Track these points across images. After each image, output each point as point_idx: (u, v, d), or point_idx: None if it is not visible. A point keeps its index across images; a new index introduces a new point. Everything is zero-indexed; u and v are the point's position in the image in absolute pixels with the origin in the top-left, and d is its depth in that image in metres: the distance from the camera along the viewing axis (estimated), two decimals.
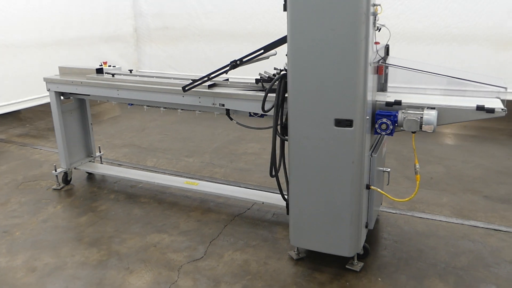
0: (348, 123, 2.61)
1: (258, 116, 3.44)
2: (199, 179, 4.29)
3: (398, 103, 2.86)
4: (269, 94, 3.10)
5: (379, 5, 2.66)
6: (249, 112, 3.44)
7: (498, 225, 3.49)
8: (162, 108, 3.92)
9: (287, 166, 2.98)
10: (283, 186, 3.11)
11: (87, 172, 4.71)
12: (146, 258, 3.18)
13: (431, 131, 2.75)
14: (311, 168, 2.78)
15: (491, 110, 2.67)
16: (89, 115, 4.64)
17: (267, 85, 3.33)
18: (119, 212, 3.90)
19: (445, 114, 2.77)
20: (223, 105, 3.44)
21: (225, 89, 3.47)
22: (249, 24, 7.14)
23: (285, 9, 2.67)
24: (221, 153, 5.36)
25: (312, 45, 2.57)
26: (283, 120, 3.00)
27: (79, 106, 4.53)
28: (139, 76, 4.10)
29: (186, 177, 4.50)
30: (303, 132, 2.74)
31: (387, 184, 3.21)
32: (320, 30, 2.52)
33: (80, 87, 4.04)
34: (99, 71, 4.21)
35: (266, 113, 3.11)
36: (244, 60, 3.23)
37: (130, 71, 4.26)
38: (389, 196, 2.98)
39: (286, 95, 2.83)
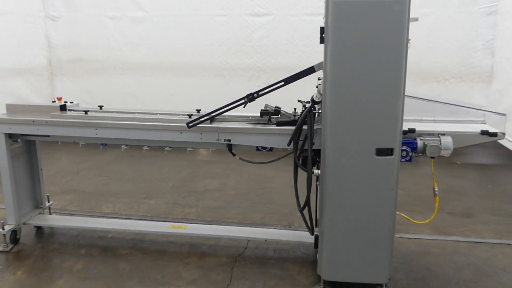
0: (389, 151, 2.70)
1: (267, 151, 3.35)
2: (181, 222, 3.98)
3: (412, 131, 3.05)
4: (284, 127, 3.11)
5: (410, 39, 2.85)
6: (257, 147, 3.34)
7: (475, 238, 3.88)
8: (146, 148, 3.59)
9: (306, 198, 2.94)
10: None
11: (36, 227, 4.01)
12: None
13: (448, 156, 2.98)
14: (350, 199, 2.79)
15: (494, 134, 3.01)
16: (39, 158, 4.00)
17: (275, 118, 3.30)
18: (102, 269, 3.38)
19: (455, 140, 3.04)
20: (229, 140, 3.27)
21: (229, 124, 3.32)
22: (180, 57, 6.97)
23: (321, 42, 2.70)
24: (182, 192, 5.04)
25: (355, 77, 2.63)
26: (300, 153, 3.00)
27: (27, 149, 3.89)
28: (116, 112, 3.69)
29: (163, 221, 4.14)
30: (342, 163, 2.75)
31: None
32: (364, 63, 2.60)
33: (44, 127, 3.47)
34: (63, 108, 3.69)
35: (288, 147, 3.05)
36: (261, 93, 3.14)
37: (100, 107, 3.81)
38: (412, 220, 3.13)
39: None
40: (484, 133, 3.02)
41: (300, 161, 3.02)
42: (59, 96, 4.05)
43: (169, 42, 6.93)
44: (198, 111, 3.65)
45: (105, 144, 3.65)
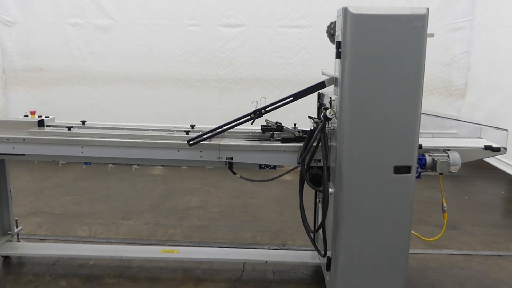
0: (407, 169, 2.64)
1: (271, 168, 3.19)
2: (168, 245, 3.72)
3: (420, 147, 3.02)
4: (290, 144, 3.00)
5: None
6: (260, 165, 3.17)
7: (467, 251, 3.92)
8: (135, 166, 3.30)
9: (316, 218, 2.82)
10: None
11: (3, 256, 3.59)
12: None
13: (456, 171, 2.97)
14: (367, 218, 2.69)
15: (497, 149, 3.04)
16: (8, 179, 3.60)
17: (277, 135, 3.16)
18: None
19: (460, 155, 3.04)
20: (231, 158, 3.08)
21: (230, 141, 3.13)
22: (149, 67, 6.65)
23: (338, 57, 2.60)
24: (161, 211, 4.75)
25: (373, 93, 2.54)
26: (306, 171, 2.88)
27: None
28: (102, 128, 3.39)
29: (151, 245, 3.86)
30: (359, 181, 2.65)
31: None
32: (382, 79, 2.52)
33: (21, 146, 3.10)
34: (41, 123, 3.34)
35: (298, 165, 2.91)
36: (268, 108, 2.99)
37: (83, 122, 3.48)
38: (422, 237, 3.09)
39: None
40: (488, 148, 3.04)
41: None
42: (32, 110, 3.68)
43: (137, 51, 6.59)
44: (193, 126, 3.43)
45: (89, 163, 3.33)
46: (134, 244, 3.93)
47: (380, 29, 2.48)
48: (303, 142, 3.03)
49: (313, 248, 3.64)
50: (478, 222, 4.58)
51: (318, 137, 2.76)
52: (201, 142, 3.02)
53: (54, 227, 4.28)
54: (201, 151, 3.06)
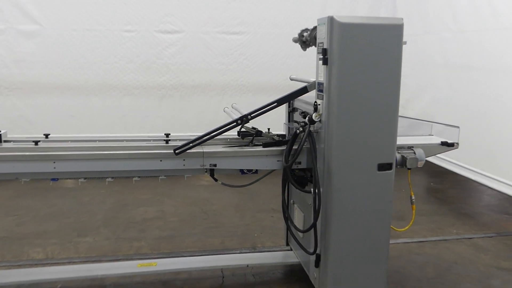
0: (388, 166, 2.87)
1: (253, 173, 3.24)
2: (140, 259, 3.60)
3: None
4: (272, 148, 3.10)
5: None
6: (242, 170, 3.20)
7: (418, 238, 4.31)
8: (109, 179, 3.15)
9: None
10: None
11: None
12: None
13: (421, 166, 3.29)
14: (355, 214, 2.88)
15: (451, 145, 3.42)
16: None
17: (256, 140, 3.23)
18: None
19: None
20: (215, 165, 3.08)
21: (213, 148, 3.12)
22: (82, 75, 6.28)
23: (325, 63, 2.74)
24: (118, 224, 4.52)
25: (359, 97, 2.73)
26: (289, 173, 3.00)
27: None
28: (70, 141, 3.16)
29: (117, 260, 3.68)
30: (347, 180, 2.82)
31: None
32: (367, 83, 2.72)
33: None
34: None
35: (286, 166, 3.00)
36: (254, 114, 3.04)
37: (46, 135, 3.22)
38: (396, 229, 3.35)
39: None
40: (444, 144, 3.40)
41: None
42: None
43: (67, 59, 6.17)
44: (167, 135, 3.35)
45: (56, 179, 3.10)
46: (99, 261, 3.71)
47: (363, 37, 2.68)
48: (283, 146, 3.15)
49: (282, 249, 3.84)
50: (419, 212, 5.00)
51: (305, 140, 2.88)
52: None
53: (2, 252, 3.87)
54: (184, 160, 3.02)
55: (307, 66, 6.71)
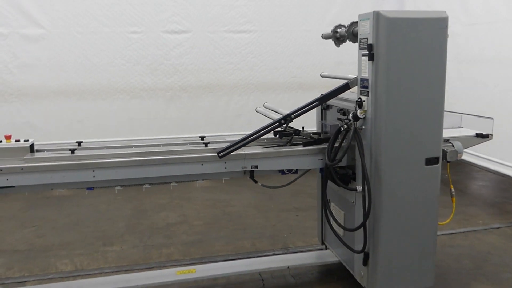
0: (435, 160, 2.85)
1: (293, 173, 3.18)
2: (173, 266, 3.53)
3: None
4: (311, 147, 3.04)
5: None
6: (282, 170, 3.14)
7: (447, 230, 4.27)
8: (146, 186, 3.05)
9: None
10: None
11: None
12: None
13: (460, 159, 3.27)
14: (404, 210, 2.85)
15: (486, 136, 3.42)
16: None
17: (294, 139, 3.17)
18: None
19: None
20: (256, 167, 3.01)
21: (253, 149, 3.04)
22: (88, 78, 6.12)
23: (371, 59, 2.69)
24: (142, 231, 4.42)
25: (406, 92, 2.70)
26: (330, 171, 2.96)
27: None
28: (106, 148, 3.06)
29: (145, 269, 3.59)
30: (396, 176, 2.79)
31: None
32: (413, 78, 2.69)
33: (17, 176, 2.67)
34: (32, 148, 2.92)
35: (331, 165, 2.94)
36: (296, 113, 2.97)
37: (79, 143, 3.11)
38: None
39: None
40: (479, 135, 3.40)
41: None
42: (8, 134, 3.19)
43: (73, 62, 6.02)
44: (202, 138, 3.28)
45: (92, 188, 3.00)
46: (132, 270, 3.62)
47: (409, 31, 2.64)
48: (323, 144, 3.10)
49: (315, 248, 3.81)
50: (442, 204, 5.04)
51: (348, 137, 2.83)
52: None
53: (28, 265, 3.74)
54: (225, 162, 2.95)
55: (313, 63, 6.76)
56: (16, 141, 3.15)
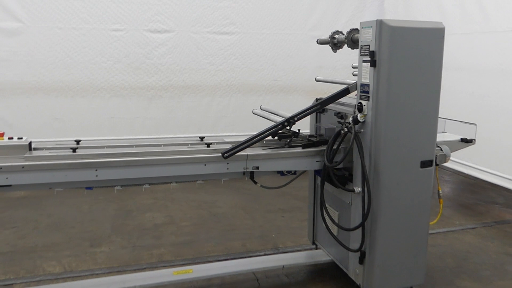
0: (429, 163, 2.99)
1: (292, 174, 3.25)
2: (166, 267, 3.53)
3: None
4: (310, 149, 3.13)
5: None
6: (282, 171, 3.20)
7: (437, 229, 4.47)
8: (146, 186, 3.04)
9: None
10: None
11: None
12: None
13: (447, 163, 3.44)
14: (401, 210, 2.98)
15: (470, 141, 3.61)
16: None
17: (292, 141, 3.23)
18: None
19: None
20: (258, 167, 3.06)
21: (253, 150, 3.08)
22: (67, 75, 5.96)
23: (373, 65, 2.80)
24: (130, 232, 4.36)
25: (406, 98, 2.82)
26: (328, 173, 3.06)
27: None
28: (106, 147, 3.02)
29: (137, 270, 3.56)
30: (394, 178, 2.91)
31: None
32: (412, 84, 2.82)
33: (17, 175, 2.60)
34: (29, 146, 2.84)
35: (332, 167, 3.03)
36: (299, 116, 3.04)
37: (77, 142, 3.04)
38: None
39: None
40: (463, 140, 3.59)
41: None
42: (1, 131, 3.09)
43: (52, 58, 5.84)
44: (202, 138, 3.29)
45: (91, 188, 2.95)
46: (123, 272, 3.58)
47: (410, 39, 2.77)
48: (321, 146, 3.19)
49: (305, 248, 3.93)
50: None
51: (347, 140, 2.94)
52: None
53: (13, 268, 3.62)
54: (228, 163, 2.98)
55: (294, 66, 6.87)
56: (9, 138, 3.07)
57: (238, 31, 6.57)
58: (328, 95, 3.19)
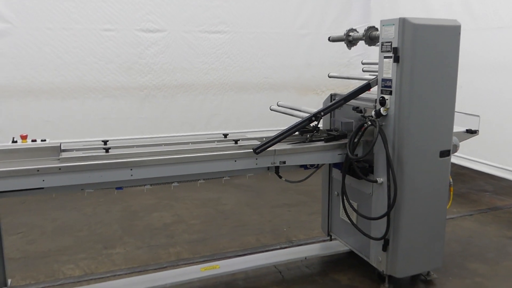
0: (447, 153, 3.16)
1: (315, 168, 3.34)
2: (187, 265, 3.56)
3: None
4: (332, 143, 3.26)
5: None
6: (305, 165, 3.30)
7: None
8: (175, 184, 3.06)
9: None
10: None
11: None
12: None
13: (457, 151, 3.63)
14: (421, 198, 3.13)
15: (474, 132, 3.83)
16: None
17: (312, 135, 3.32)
18: None
19: None
20: (284, 162, 3.14)
21: (280, 145, 3.15)
22: (57, 76, 5.81)
23: (396, 61, 2.93)
24: (141, 232, 4.33)
25: (428, 91, 2.98)
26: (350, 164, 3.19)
27: None
28: (136, 147, 3.01)
29: (159, 269, 3.57)
30: (417, 168, 3.06)
31: None
32: (433, 78, 2.98)
33: (54, 177, 2.57)
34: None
35: (356, 159, 3.15)
36: (324, 111, 3.14)
37: (105, 142, 3.01)
38: None
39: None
40: (469, 131, 3.80)
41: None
42: (24, 134, 3.03)
43: (41, 59, 5.68)
44: (226, 135, 3.33)
45: (121, 188, 2.95)
46: (146, 271, 3.58)
47: (430, 36, 2.92)
48: (341, 140, 3.31)
49: (318, 240, 4.05)
50: None
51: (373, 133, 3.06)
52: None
53: (30, 273, 3.54)
54: (256, 159, 3.04)
55: (284, 64, 6.98)
56: (32, 141, 3.03)
57: (229, 30, 6.60)
58: (350, 91, 3.29)
